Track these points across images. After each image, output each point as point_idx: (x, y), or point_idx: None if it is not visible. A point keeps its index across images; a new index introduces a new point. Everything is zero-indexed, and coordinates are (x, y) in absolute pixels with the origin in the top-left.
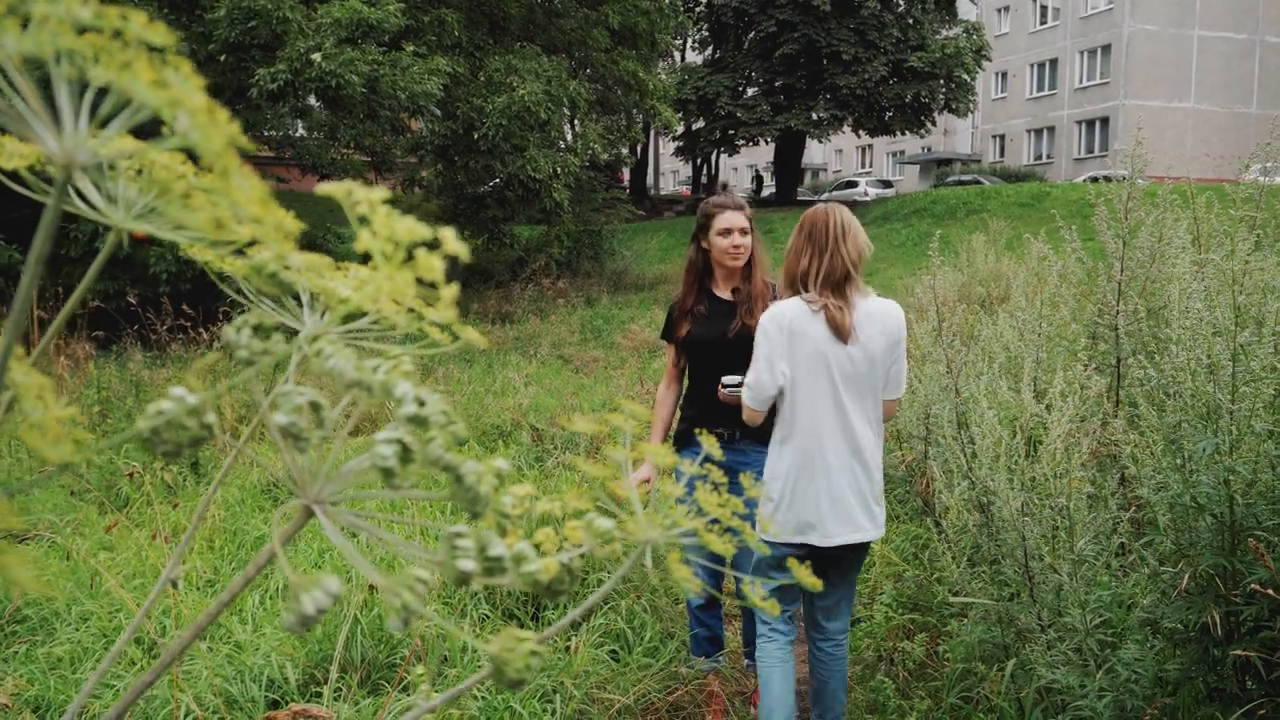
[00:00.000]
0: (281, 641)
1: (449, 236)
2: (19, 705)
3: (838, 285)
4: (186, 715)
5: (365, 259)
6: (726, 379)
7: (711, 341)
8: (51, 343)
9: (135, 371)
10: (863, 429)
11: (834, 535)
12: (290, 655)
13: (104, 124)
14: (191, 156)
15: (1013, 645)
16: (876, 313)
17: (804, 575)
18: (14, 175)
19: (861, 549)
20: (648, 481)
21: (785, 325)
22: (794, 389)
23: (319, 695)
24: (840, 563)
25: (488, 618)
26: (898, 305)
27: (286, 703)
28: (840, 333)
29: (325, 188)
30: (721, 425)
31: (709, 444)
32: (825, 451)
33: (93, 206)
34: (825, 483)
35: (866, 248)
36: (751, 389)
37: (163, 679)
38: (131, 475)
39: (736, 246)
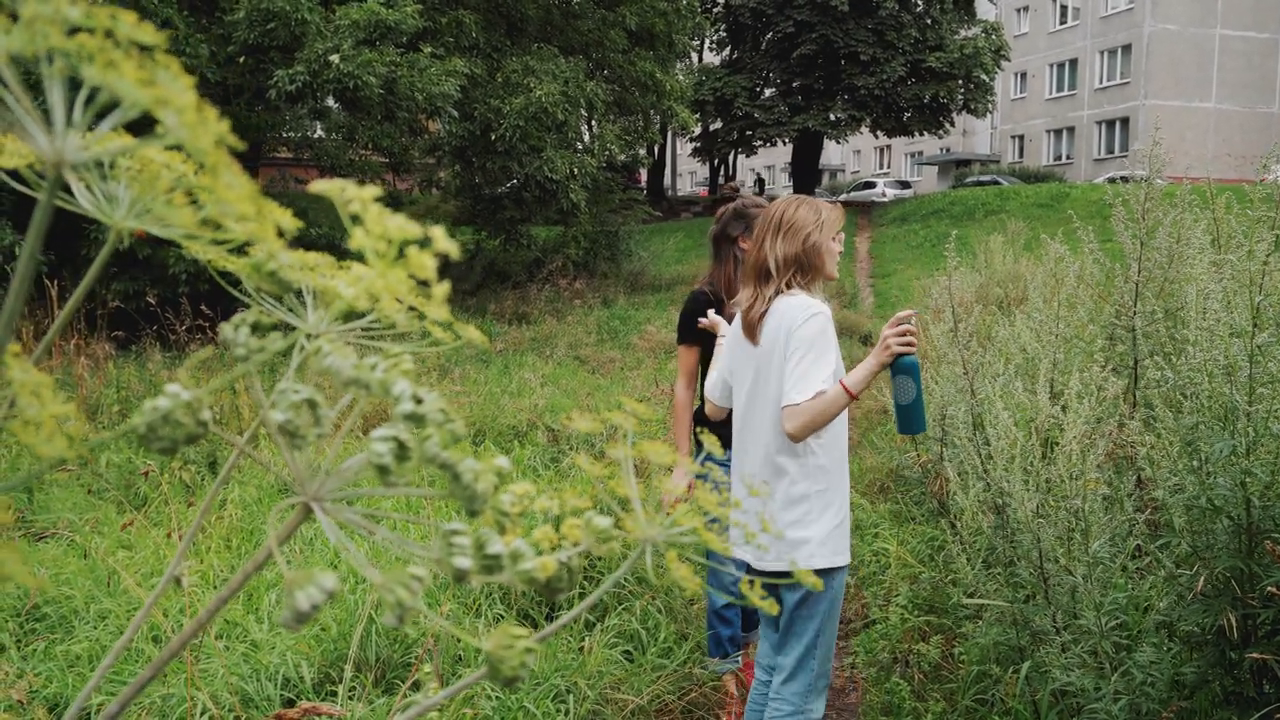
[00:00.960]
0: (297, 640)
1: (439, 234)
2: (36, 702)
3: (759, 280)
4: (202, 713)
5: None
6: None
7: None
8: (70, 341)
9: (154, 371)
10: (770, 438)
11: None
12: (306, 654)
13: (96, 122)
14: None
15: (1028, 648)
16: (778, 310)
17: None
18: (17, 175)
19: (772, 576)
20: (689, 488)
21: (735, 324)
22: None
23: (334, 694)
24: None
25: (502, 617)
26: (803, 301)
27: (301, 701)
28: (747, 331)
29: (318, 186)
30: None
31: (710, 443)
32: (742, 458)
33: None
34: (741, 492)
35: (814, 248)
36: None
37: (180, 677)
38: (148, 474)
39: None
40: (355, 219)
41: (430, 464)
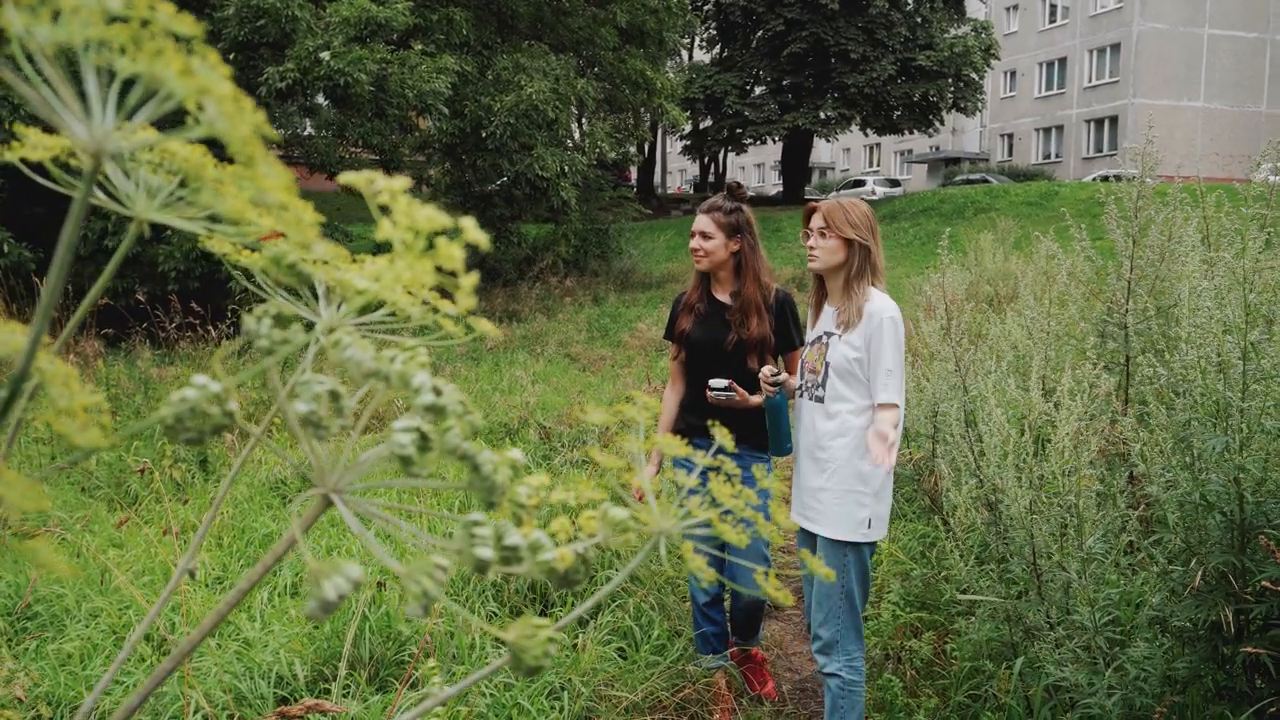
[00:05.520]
0: (290, 639)
1: (469, 225)
2: (32, 699)
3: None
4: (196, 711)
5: (377, 249)
6: (714, 382)
7: (707, 345)
8: (65, 340)
9: (144, 369)
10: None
11: None
12: (299, 652)
13: (130, 114)
14: (212, 149)
15: (1021, 643)
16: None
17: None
18: (37, 167)
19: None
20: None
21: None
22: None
23: (327, 692)
24: None
25: (495, 614)
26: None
27: (295, 699)
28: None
29: (347, 177)
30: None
31: (721, 436)
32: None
33: (114, 198)
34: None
35: None
36: (902, 391)
37: (173, 676)
38: (141, 472)
39: (694, 250)
40: (384, 210)
41: (450, 455)
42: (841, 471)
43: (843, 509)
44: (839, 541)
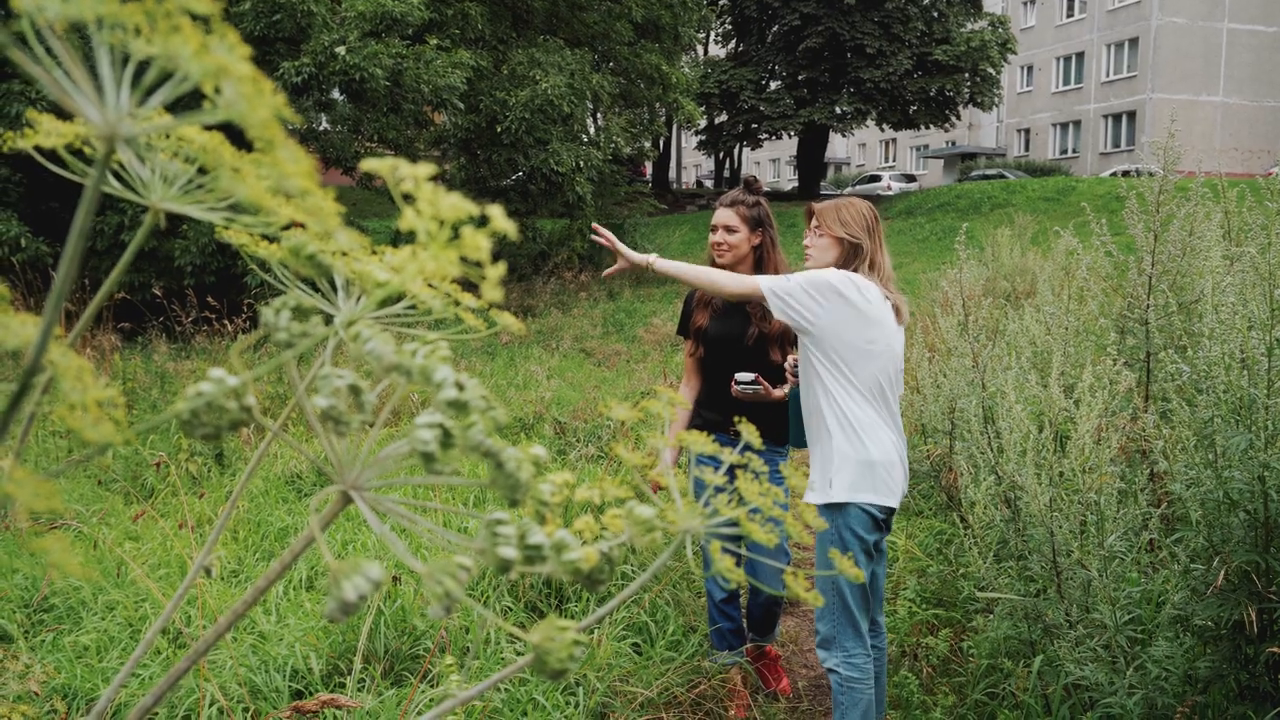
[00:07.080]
0: (305, 632)
1: (497, 213)
2: (47, 693)
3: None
4: (211, 704)
5: (395, 242)
6: (740, 376)
7: (728, 340)
8: (80, 333)
9: (160, 363)
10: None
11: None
12: (314, 646)
13: (145, 97)
14: (230, 138)
15: (1039, 641)
16: None
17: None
18: (51, 156)
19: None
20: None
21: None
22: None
23: (342, 686)
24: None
25: (510, 609)
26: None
27: (311, 693)
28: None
29: (370, 164)
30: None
31: (749, 432)
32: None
33: (129, 187)
34: (902, 457)
35: None
36: (779, 293)
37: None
38: (158, 465)
39: (718, 244)
40: (407, 198)
41: (473, 452)
42: (815, 445)
43: (813, 475)
44: (821, 508)
